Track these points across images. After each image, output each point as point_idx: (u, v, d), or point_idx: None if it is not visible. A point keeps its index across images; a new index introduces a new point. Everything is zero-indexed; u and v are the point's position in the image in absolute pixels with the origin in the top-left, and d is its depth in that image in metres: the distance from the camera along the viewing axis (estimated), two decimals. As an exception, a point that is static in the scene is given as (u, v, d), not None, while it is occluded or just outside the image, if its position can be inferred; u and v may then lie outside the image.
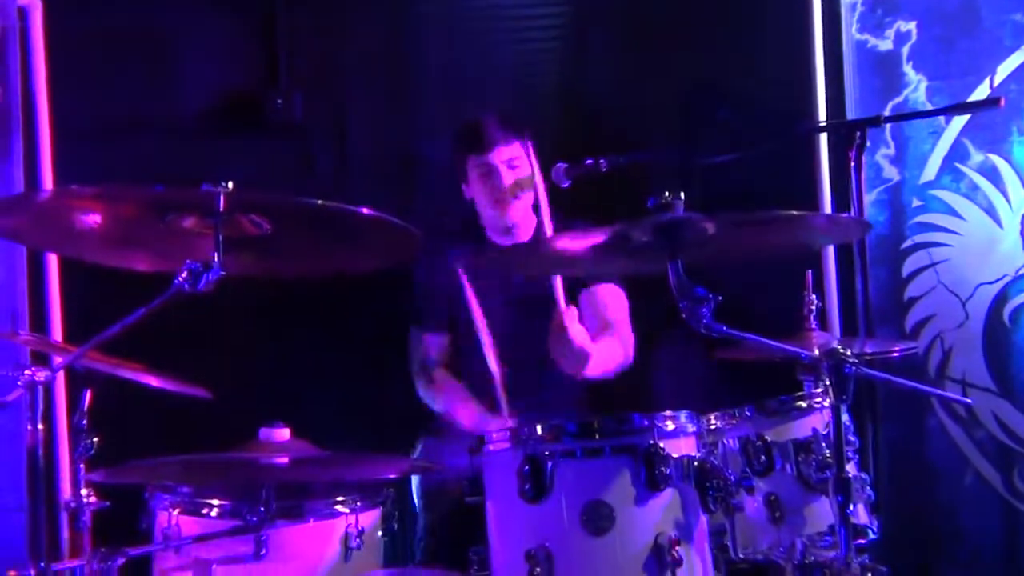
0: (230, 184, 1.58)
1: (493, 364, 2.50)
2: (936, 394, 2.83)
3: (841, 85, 3.03)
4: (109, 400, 2.08)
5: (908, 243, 3.04)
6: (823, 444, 1.86)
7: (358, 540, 2.08)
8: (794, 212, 1.71)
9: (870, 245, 2.84)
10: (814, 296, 2.33)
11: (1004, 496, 2.96)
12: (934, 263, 3.02)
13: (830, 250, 2.98)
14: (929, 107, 3.00)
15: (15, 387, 1.73)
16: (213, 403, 2.20)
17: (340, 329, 2.60)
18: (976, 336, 2.97)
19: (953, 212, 3.02)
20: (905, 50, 3.04)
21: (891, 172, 3.06)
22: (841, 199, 2.91)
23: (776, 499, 1.89)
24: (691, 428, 1.80)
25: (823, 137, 3.01)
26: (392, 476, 2.26)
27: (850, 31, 3.05)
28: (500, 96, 3.11)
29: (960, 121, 3.01)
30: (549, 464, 1.69)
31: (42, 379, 1.72)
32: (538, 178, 2.48)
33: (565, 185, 2.60)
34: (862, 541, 1.90)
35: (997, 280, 2.98)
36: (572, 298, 2.68)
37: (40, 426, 1.74)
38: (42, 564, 1.70)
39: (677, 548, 1.67)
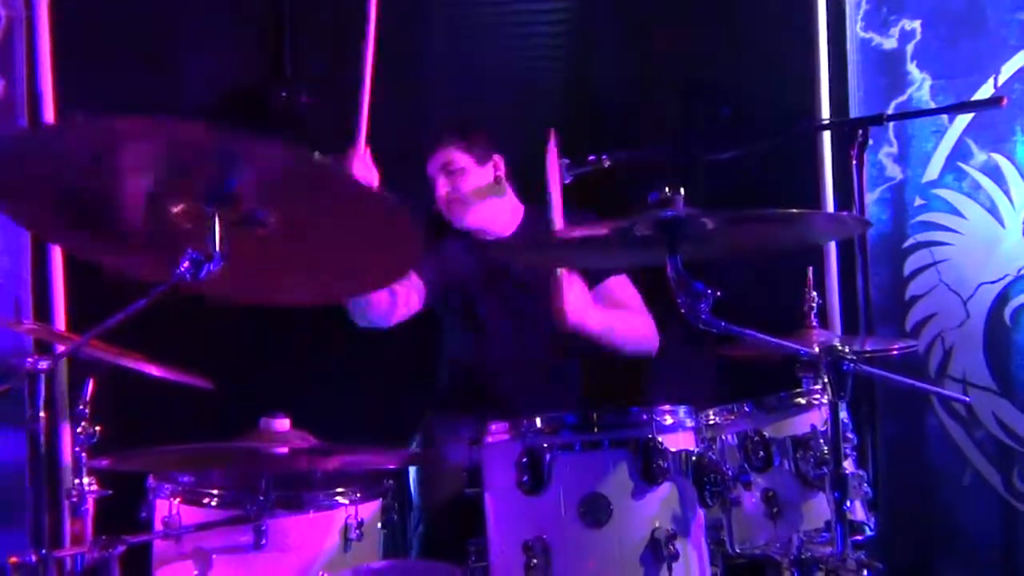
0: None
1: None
2: (934, 392, 2.83)
3: (845, 83, 3.03)
4: (111, 389, 2.10)
5: (910, 242, 3.04)
6: (821, 441, 1.86)
7: (358, 531, 2.08)
8: (793, 211, 1.70)
9: (872, 243, 2.85)
10: (815, 293, 2.33)
11: (1003, 496, 2.97)
12: (936, 262, 3.02)
13: (832, 248, 2.98)
14: (933, 106, 3.00)
15: (18, 375, 1.74)
16: (214, 393, 2.21)
17: (340, 321, 2.60)
18: (977, 335, 2.98)
19: (955, 211, 3.02)
20: (909, 49, 3.03)
21: (894, 170, 3.06)
22: (843, 197, 2.92)
23: (774, 495, 1.89)
24: (689, 423, 1.81)
25: (826, 135, 3.01)
26: (391, 467, 2.27)
27: (855, 29, 3.05)
28: (503, 92, 3.11)
29: (963, 120, 3.01)
30: (547, 456, 1.69)
31: (44, 367, 1.72)
32: (551, 170, 2.46)
33: (568, 181, 2.62)
34: (859, 538, 1.90)
35: (999, 280, 2.98)
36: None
37: (42, 414, 1.74)
38: (43, 551, 1.71)
39: (674, 542, 1.67)
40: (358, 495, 2.11)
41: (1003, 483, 2.97)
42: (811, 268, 2.34)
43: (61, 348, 2.08)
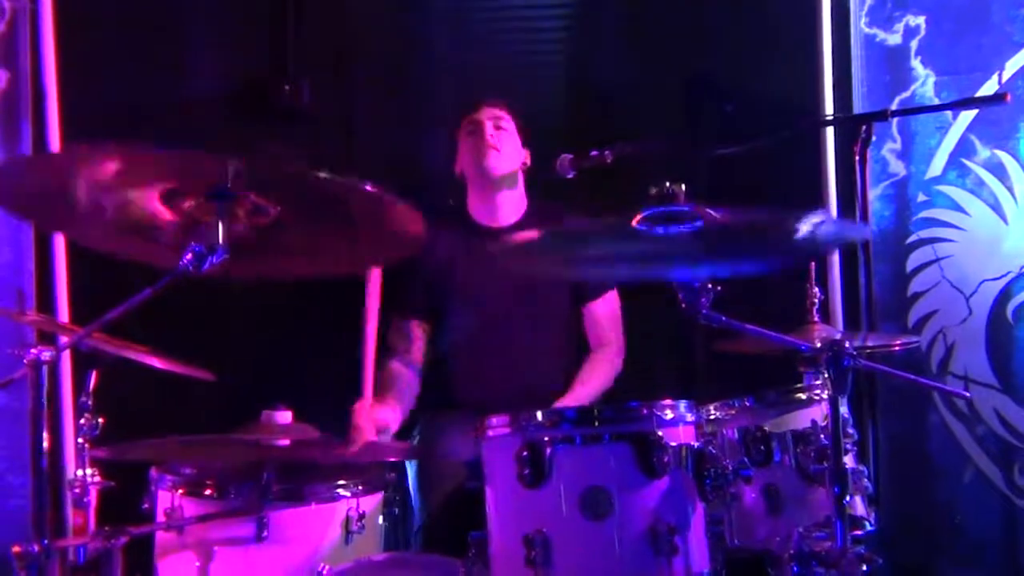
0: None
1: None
2: (934, 387, 2.83)
3: (849, 79, 3.03)
4: (114, 381, 2.10)
5: (913, 238, 3.04)
6: (822, 436, 1.86)
7: (359, 524, 2.09)
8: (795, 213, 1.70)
9: (874, 240, 2.85)
10: (817, 289, 2.33)
11: (1004, 492, 2.97)
12: (938, 258, 3.01)
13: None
14: (937, 102, 3.00)
15: (21, 366, 1.74)
16: (216, 386, 2.22)
17: (343, 314, 2.60)
18: (979, 332, 2.98)
19: (958, 208, 3.02)
20: (914, 44, 3.03)
21: (897, 167, 3.05)
22: (846, 193, 2.92)
23: (774, 490, 1.90)
24: (690, 417, 1.81)
25: (829, 131, 3.01)
26: (391, 459, 2.27)
27: (859, 24, 3.05)
28: (506, 86, 3.11)
29: (967, 117, 3.01)
30: (548, 450, 1.70)
31: (47, 358, 1.73)
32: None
33: (570, 176, 2.62)
34: (859, 533, 1.90)
35: (1001, 276, 2.98)
36: (571, 315, 2.75)
37: (45, 404, 1.75)
38: (46, 541, 1.72)
39: (674, 535, 1.67)
40: (360, 488, 2.12)
41: (1004, 480, 2.97)
42: (813, 263, 2.34)
43: (64, 339, 2.09)
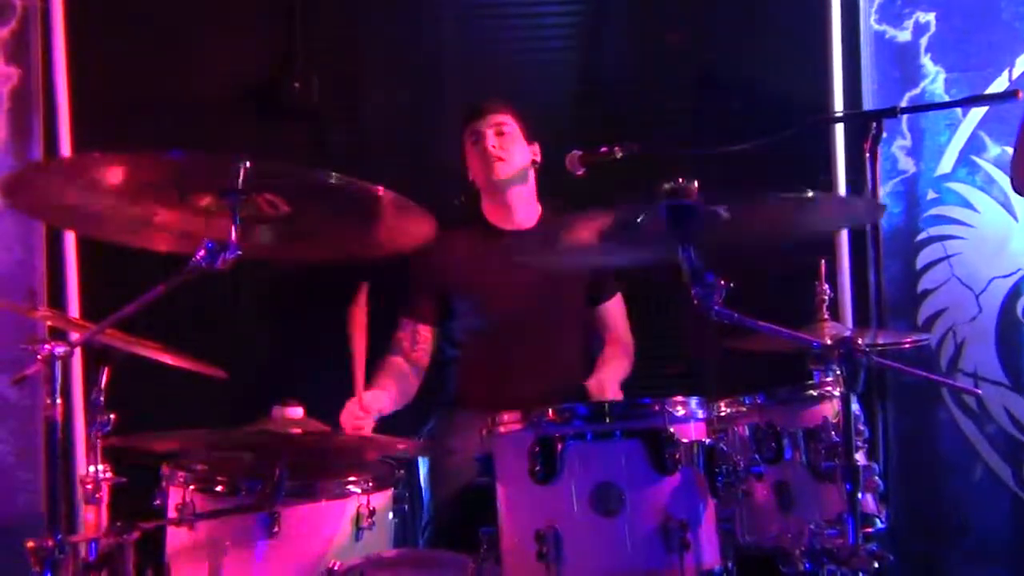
0: (247, 163, 1.59)
1: None
2: (944, 383, 2.83)
3: (858, 76, 3.02)
4: (126, 378, 2.11)
5: (923, 235, 3.03)
6: (833, 433, 1.86)
7: (370, 520, 2.09)
8: (805, 195, 1.70)
9: (884, 237, 2.85)
10: (827, 286, 2.33)
11: (1014, 490, 2.97)
12: (948, 256, 3.01)
13: (844, 241, 2.98)
14: (947, 99, 2.99)
15: (34, 361, 1.75)
16: (228, 383, 2.22)
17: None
18: (989, 330, 2.97)
19: (968, 205, 3.02)
20: (923, 41, 3.02)
21: (907, 164, 3.05)
22: (856, 190, 2.91)
23: (785, 486, 1.90)
24: (701, 414, 1.81)
25: (839, 128, 3.00)
26: (402, 449, 2.27)
27: (868, 21, 3.04)
28: (515, 82, 3.11)
29: (977, 113, 3.00)
30: (560, 446, 1.70)
31: (60, 353, 1.74)
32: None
33: (580, 172, 2.62)
34: (870, 530, 1.91)
35: (1011, 274, 2.97)
36: (584, 316, 2.76)
37: (58, 400, 1.76)
38: (59, 536, 1.73)
39: (685, 532, 1.68)
40: (370, 484, 2.12)
41: (1014, 477, 2.97)
42: (823, 261, 2.34)
43: (76, 335, 2.10)
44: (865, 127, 2.50)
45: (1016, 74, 2.97)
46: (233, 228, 1.66)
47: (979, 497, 2.96)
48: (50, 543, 1.72)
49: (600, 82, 3.18)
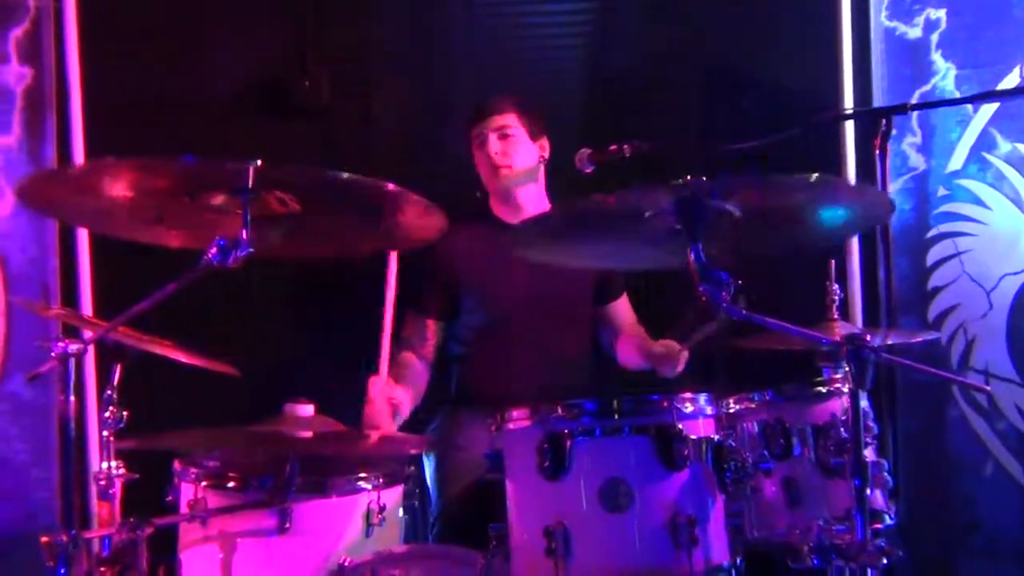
0: (259, 161, 1.60)
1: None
2: (954, 380, 2.82)
3: (868, 72, 3.02)
4: (138, 376, 2.13)
5: (933, 232, 3.02)
6: (842, 430, 1.85)
7: (380, 516, 2.10)
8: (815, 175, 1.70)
9: (894, 234, 2.84)
10: (836, 286, 2.33)
11: (1025, 487, 2.96)
12: (959, 253, 3.00)
13: (854, 239, 2.97)
14: (958, 96, 2.97)
15: (48, 359, 1.77)
16: (240, 381, 2.24)
17: (365, 310, 2.62)
18: (1000, 327, 2.96)
19: (979, 202, 3.00)
20: (934, 38, 3.01)
21: (917, 160, 3.04)
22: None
23: (794, 483, 1.90)
24: (710, 410, 1.81)
25: (849, 125, 2.99)
26: (413, 451, 2.29)
27: (879, 18, 3.03)
28: (524, 80, 3.12)
29: (988, 110, 2.99)
30: (568, 442, 1.71)
31: (74, 351, 1.76)
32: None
33: (589, 171, 2.62)
34: (879, 526, 1.90)
35: (1022, 271, 2.96)
36: (592, 314, 2.77)
37: (72, 397, 1.78)
38: (73, 531, 1.74)
39: (694, 528, 1.68)
40: (380, 481, 2.13)
41: (1025, 475, 2.96)
42: (833, 261, 2.34)
43: (89, 333, 2.11)
44: (875, 123, 2.48)
45: (1027, 70, 2.96)
46: (244, 226, 1.67)
47: (990, 495, 2.94)
48: (64, 538, 1.74)
49: (609, 79, 3.18)
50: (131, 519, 1.92)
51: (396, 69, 3.24)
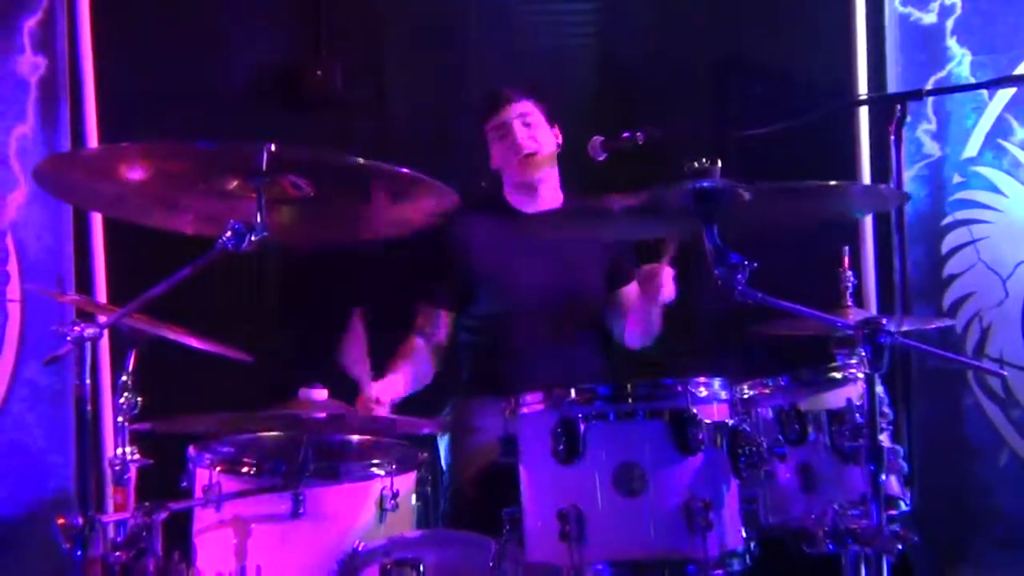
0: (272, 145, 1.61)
1: None
2: (968, 364, 2.80)
3: (883, 59, 3.00)
4: (152, 362, 2.14)
5: (948, 220, 3.01)
6: (857, 415, 1.84)
7: (393, 502, 2.11)
8: (830, 183, 1.70)
9: (909, 222, 2.83)
10: (850, 273, 2.32)
11: (1040, 475, 2.94)
12: (974, 240, 2.98)
13: (868, 227, 2.96)
14: (973, 82, 2.95)
15: (64, 343, 1.78)
16: (253, 366, 2.25)
17: (378, 295, 2.63)
18: (1015, 314, 2.94)
19: (995, 189, 2.99)
20: (949, 23, 2.99)
21: (932, 148, 3.02)
22: (880, 174, 2.89)
23: (808, 468, 1.89)
24: (724, 395, 1.81)
25: (863, 112, 2.98)
26: (426, 431, 2.28)
27: (893, 4, 3.02)
28: (537, 68, 3.11)
29: (1004, 96, 2.97)
30: (582, 426, 1.70)
31: (90, 335, 1.76)
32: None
33: (601, 158, 2.61)
34: (893, 512, 1.89)
35: (1038, 258, 2.95)
36: (604, 300, 2.77)
37: (88, 380, 1.79)
38: (89, 513, 1.75)
39: (708, 512, 1.68)
40: (393, 467, 2.13)
41: (1039, 463, 2.94)
42: (847, 248, 2.33)
43: (104, 318, 2.12)
44: (890, 110, 2.46)
45: (1044, 57, 2.93)
46: (259, 210, 1.67)
47: (1005, 483, 2.93)
48: (80, 521, 1.74)
49: (622, 68, 3.17)
50: (146, 503, 1.93)
51: (409, 59, 3.24)
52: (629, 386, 1.75)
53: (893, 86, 2.99)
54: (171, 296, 1.76)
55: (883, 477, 1.68)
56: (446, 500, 2.62)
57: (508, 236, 2.71)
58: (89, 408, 1.81)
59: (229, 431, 2.11)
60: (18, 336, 2.90)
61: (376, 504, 2.09)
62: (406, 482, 2.16)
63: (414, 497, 2.20)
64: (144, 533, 1.93)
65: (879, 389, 1.79)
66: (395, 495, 2.11)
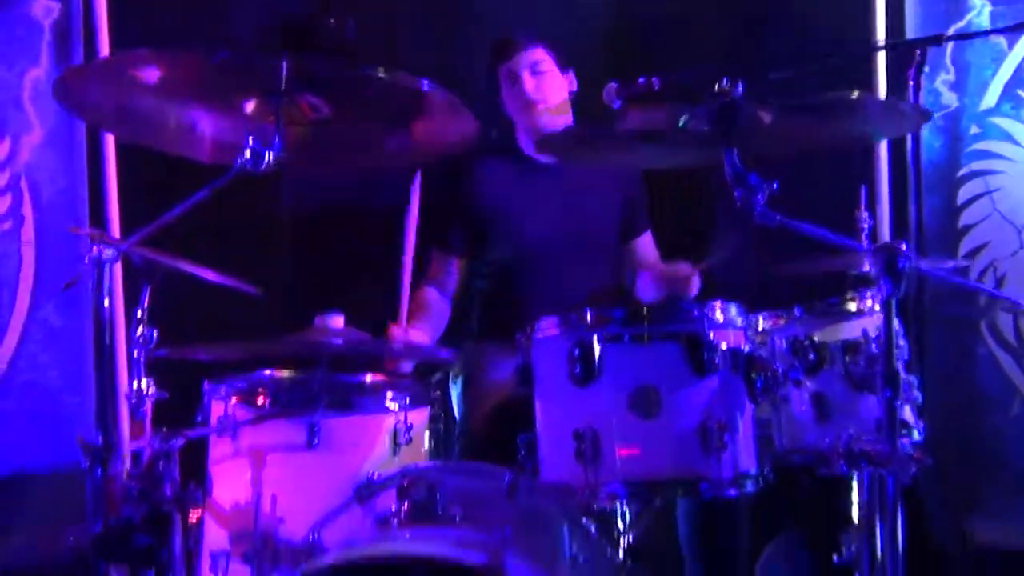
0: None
1: None
2: (985, 291, 2.80)
3: (901, 8, 2.97)
4: (167, 295, 2.14)
5: (964, 171, 2.99)
6: (873, 345, 1.84)
7: (407, 435, 2.11)
8: (851, 94, 1.68)
9: (925, 172, 2.81)
10: (867, 213, 2.30)
11: (1053, 425, 2.94)
12: (990, 191, 2.97)
13: (884, 174, 2.94)
14: (992, 32, 2.93)
15: (82, 266, 1.78)
16: (269, 295, 2.25)
17: (392, 224, 2.62)
18: (1030, 265, 2.93)
19: (1012, 139, 2.97)
20: (969, -28, 2.96)
21: (950, 98, 3.00)
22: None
23: (823, 398, 1.89)
24: (740, 321, 1.81)
25: (881, 60, 2.95)
26: (442, 356, 2.27)
27: (912, -49, 2.99)
28: (551, 14, 3.10)
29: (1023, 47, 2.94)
30: (599, 348, 1.71)
31: (107, 257, 1.77)
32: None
33: (617, 105, 2.60)
34: (907, 441, 1.89)
35: (1055, 209, 2.93)
36: (617, 251, 2.77)
37: (106, 302, 1.79)
38: (108, 435, 1.76)
39: (723, 434, 1.68)
40: (407, 401, 2.14)
41: (1053, 414, 2.94)
42: (864, 187, 2.31)
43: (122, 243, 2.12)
44: (908, 58, 2.44)
45: (1065, 6, 2.90)
46: (277, 130, 1.67)
47: (1018, 432, 2.93)
48: (100, 440, 1.76)
49: (635, 15, 3.15)
50: (163, 430, 1.94)
51: (421, 5, 3.22)
52: (645, 309, 1.75)
53: (912, 36, 2.96)
54: (185, 228, 1.75)
55: (898, 403, 1.68)
56: (458, 443, 2.63)
57: (520, 182, 2.70)
58: (108, 331, 1.81)
59: (247, 358, 2.12)
60: (32, 278, 2.92)
61: (390, 436, 2.10)
62: (419, 416, 2.17)
63: (427, 433, 2.20)
64: (161, 461, 1.94)
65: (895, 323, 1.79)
66: (409, 428, 2.11)
